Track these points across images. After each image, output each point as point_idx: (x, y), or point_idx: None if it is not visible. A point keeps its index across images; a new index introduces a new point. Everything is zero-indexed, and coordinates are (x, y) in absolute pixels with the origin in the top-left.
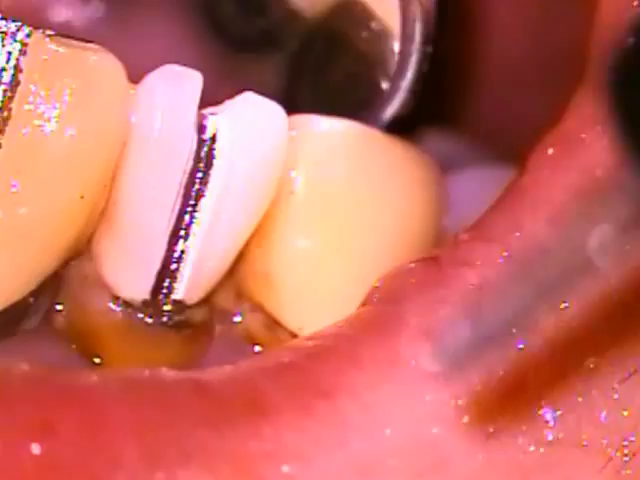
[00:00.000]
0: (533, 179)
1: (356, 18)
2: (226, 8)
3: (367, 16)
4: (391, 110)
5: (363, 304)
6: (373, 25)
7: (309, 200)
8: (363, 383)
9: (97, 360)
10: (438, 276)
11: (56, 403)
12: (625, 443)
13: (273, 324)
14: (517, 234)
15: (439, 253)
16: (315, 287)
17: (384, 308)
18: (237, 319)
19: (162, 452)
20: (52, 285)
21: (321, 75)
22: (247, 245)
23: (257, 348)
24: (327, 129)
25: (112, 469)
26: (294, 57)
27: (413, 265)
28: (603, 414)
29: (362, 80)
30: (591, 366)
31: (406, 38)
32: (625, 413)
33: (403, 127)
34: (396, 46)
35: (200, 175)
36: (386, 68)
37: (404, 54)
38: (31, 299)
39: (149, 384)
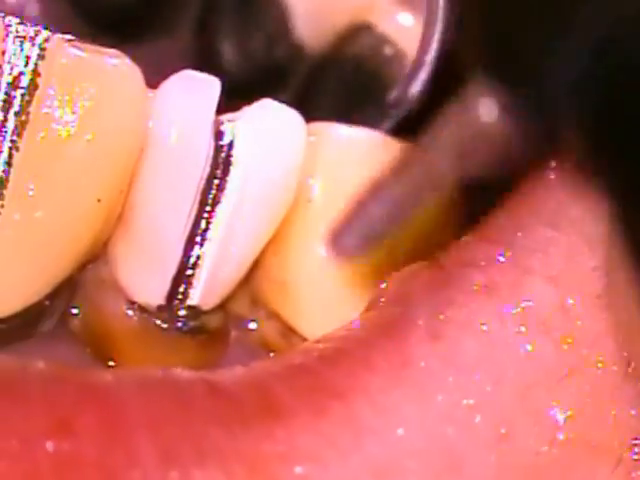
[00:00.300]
0: (532, 180)
1: (366, 44)
2: (226, 51)
3: (378, 41)
4: (416, 87)
5: (369, 307)
6: (386, 50)
7: (327, 208)
8: (376, 385)
9: (111, 363)
10: (444, 277)
11: (72, 401)
12: (635, 442)
13: (288, 332)
14: (519, 234)
15: (443, 256)
16: (331, 296)
17: (392, 310)
18: (252, 326)
19: (178, 451)
20: (68, 288)
21: (333, 105)
22: (263, 252)
23: (272, 355)
24: (346, 136)
25: (128, 467)
26: (299, 96)
27: (418, 268)
28: (612, 414)
29: (374, 104)
30: (599, 365)
31: (431, 11)
32: (633, 412)
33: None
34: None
35: (217, 181)
36: (398, 90)
37: (428, 25)
38: (47, 302)
39: (164, 383)
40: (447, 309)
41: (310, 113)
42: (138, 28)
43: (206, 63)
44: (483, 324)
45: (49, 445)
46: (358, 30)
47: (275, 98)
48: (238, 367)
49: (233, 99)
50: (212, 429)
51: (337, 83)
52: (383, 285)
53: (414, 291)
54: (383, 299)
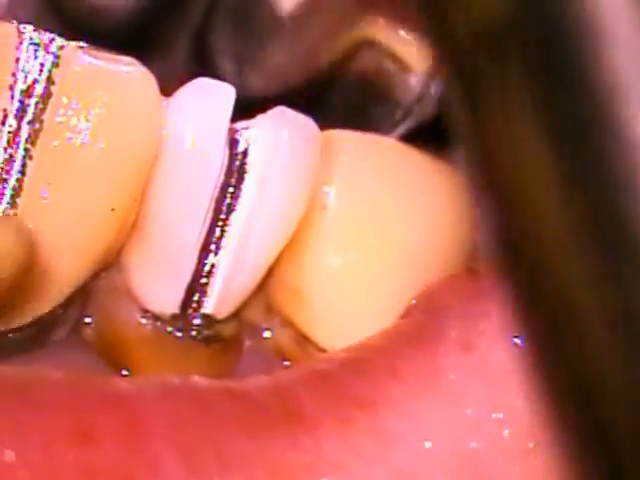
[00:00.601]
0: None
1: (371, 60)
2: (226, 71)
3: (382, 55)
4: (431, 93)
5: (402, 317)
6: (388, 65)
7: (341, 216)
8: (402, 395)
9: (125, 372)
10: (478, 288)
11: (93, 410)
12: None
13: (303, 340)
14: None
15: (476, 266)
16: (346, 303)
17: (423, 321)
18: (267, 334)
19: (201, 460)
20: (81, 297)
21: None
22: (278, 260)
23: (286, 363)
24: (360, 143)
25: (151, 476)
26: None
27: (452, 278)
28: None
29: (379, 119)
30: None
31: None
32: None
33: (436, 143)
34: (413, 81)
35: (231, 189)
36: (403, 105)
37: None
38: (60, 311)
39: (185, 390)
40: (481, 321)
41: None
42: (132, 51)
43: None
44: (516, 336)
45: (71, 455)
46: (361, 46)
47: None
48: (261, 376)
49: (236, 118)
50: (236, 437)
51: (343, 99)
52: (416, 296)
53: (448, 302)
54: (416, 309)
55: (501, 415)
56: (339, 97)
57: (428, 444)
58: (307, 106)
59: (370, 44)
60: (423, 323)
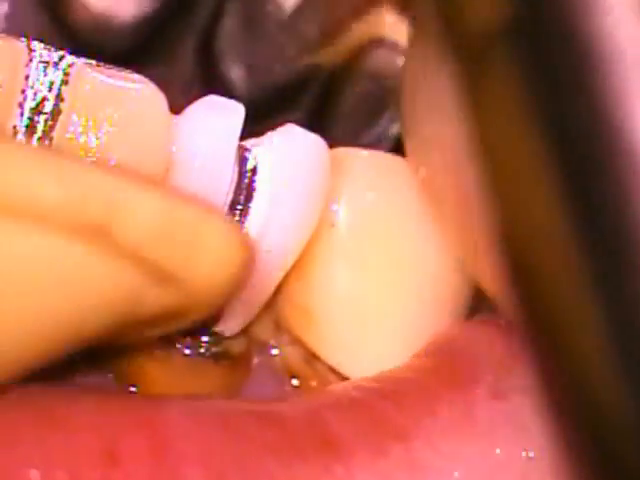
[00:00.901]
0: None
1: (380, 57)
2: (234, 74)
3: (392, 53)
4: None
5: (425, 355)
6: (399, 62)
7: (350, 233)
8: (437, 431)
9: (133, 389)
10: (508, 338)
11: (119, 430)
12: None
13: (312, 358)
14: None
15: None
16: (354, 322)
17: (457, 365)
18: (275, 352)
19: None
20: None
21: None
22: (286, 277)
23: (295, 381)
24: (368, 161)
25: None
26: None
27: (484, 321)
28: None
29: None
30: None
31: None
32: None
33: None
34: None
35: (240, 207)
36: None
37: None
38: None
39: (212, 412)
40: (513, 374)
41: (328, 128)
42: (137, 59)
43: (213, 88)
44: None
45: (96, 475)
46: (371, 44)
47: (291, 115)
48: (294, 399)
49: (248, 122)
50: (266, 460)
51: (354, 96)
52: (444, 334)
53: (482, 347)
54: (446, 347)
55: (532, 454)
56: (351, 94)
57: (457, 476)
58: (318, 104)
59: (379, 42)
60: (457, 367)
